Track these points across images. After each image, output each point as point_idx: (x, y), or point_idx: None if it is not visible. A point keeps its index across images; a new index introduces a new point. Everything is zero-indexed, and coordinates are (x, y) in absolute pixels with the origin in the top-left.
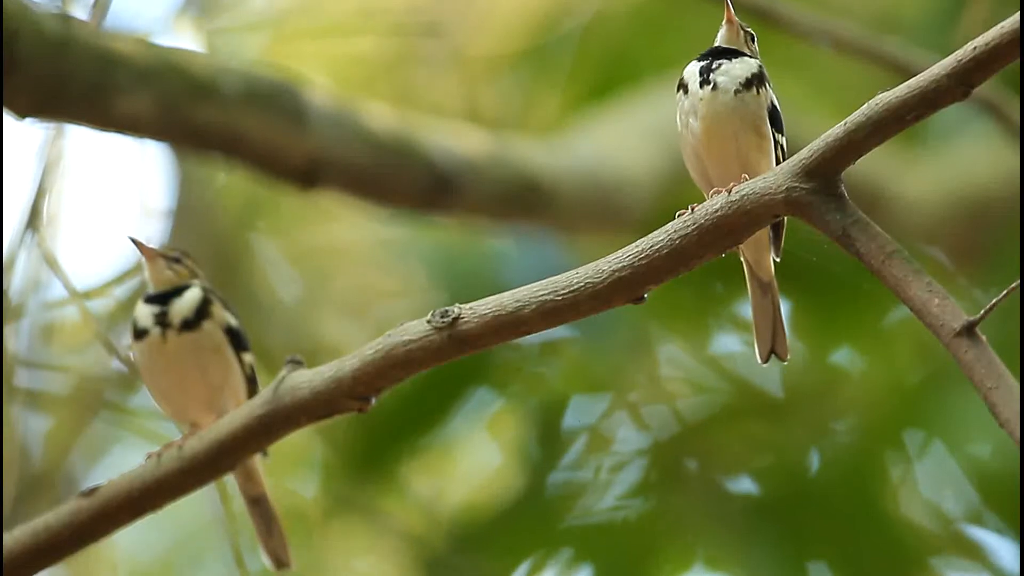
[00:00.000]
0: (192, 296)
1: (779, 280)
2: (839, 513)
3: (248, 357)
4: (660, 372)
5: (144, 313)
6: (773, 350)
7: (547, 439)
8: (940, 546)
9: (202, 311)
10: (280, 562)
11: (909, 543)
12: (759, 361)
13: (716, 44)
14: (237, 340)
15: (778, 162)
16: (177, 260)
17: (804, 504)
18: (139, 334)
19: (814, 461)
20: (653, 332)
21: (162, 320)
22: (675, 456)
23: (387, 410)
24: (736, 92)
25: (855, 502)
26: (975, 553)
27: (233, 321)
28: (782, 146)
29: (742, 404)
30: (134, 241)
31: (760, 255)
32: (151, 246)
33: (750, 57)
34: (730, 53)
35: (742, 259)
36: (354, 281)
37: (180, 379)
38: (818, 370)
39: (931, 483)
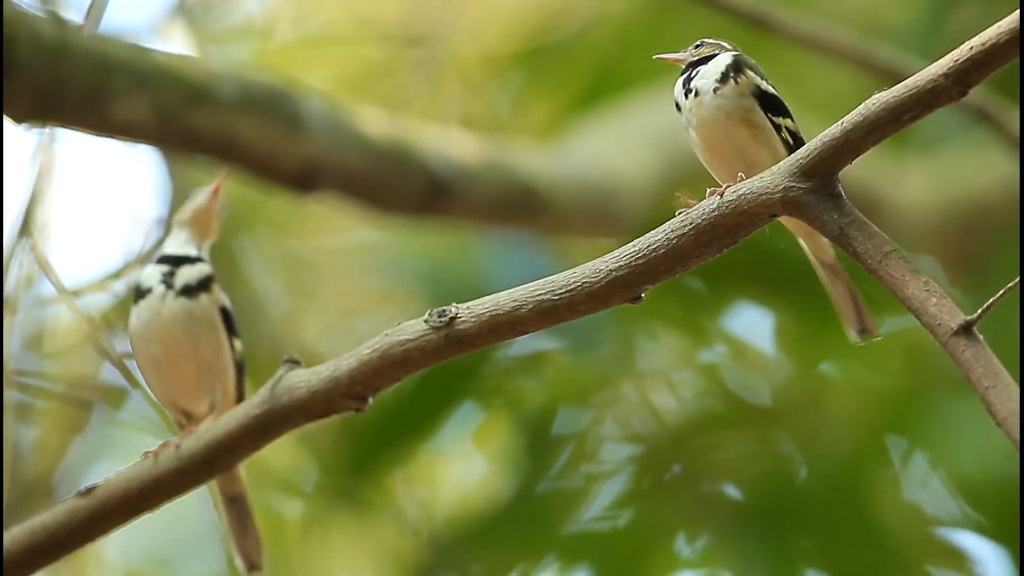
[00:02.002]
0: (201, 268)
1: (763, 288)
2: (829, 520)
3: (239, 344)
4: (649, 381)
5: (151, 272)
6: (863, 328)
7: (536, 448)
8: (929, 553)
9: (204, 284)
10: (252, 564)
11: (899, 550)
12: (853, 339)
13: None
14: (230, 324)
15: (787, 145)
16: (224, 210)
17: (794, 511)
18: (142, 293)
19: (803, 468)
20: (642, 341)
21: (168, 281)
22: (665, 464)
23: (375, 419)
24: (715, 90)
25: (845, 509)
26: (962, 560)
27: (228, 303)
28: (788, 129)
29: (731, 412)
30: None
31: (815, 239)
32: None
33: (725, 51)
34: (707, 58)
35: (803, 246)
36: (341, 287)
37: (172, 348)
38: (807, 377)
39: (920, 490)
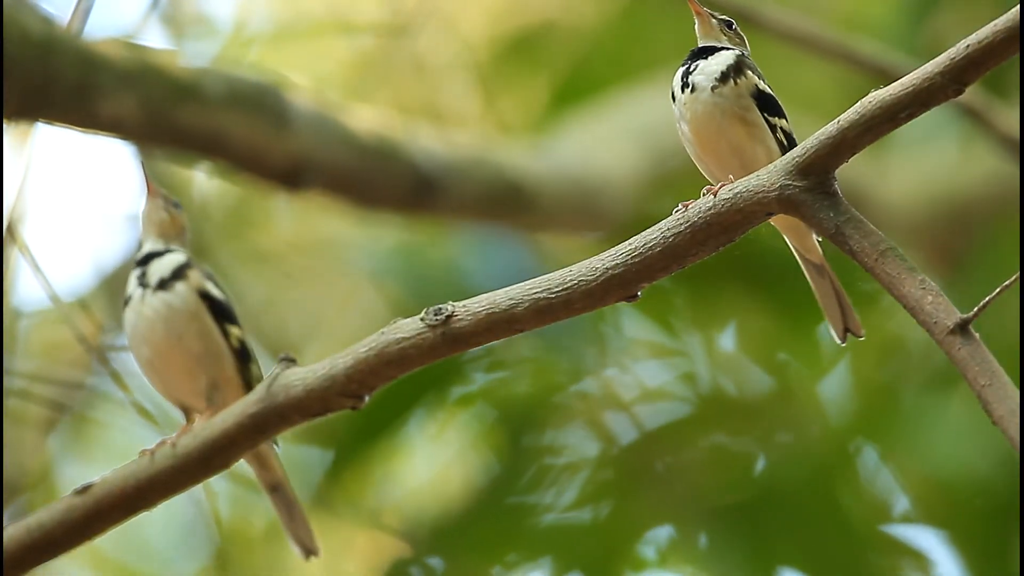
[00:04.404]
0: (172, 259)
1: (740, 285)
2: (803, 518)
3: (236, 330)
4: (624, 378)
5: (130, 279)
6: (847, 328)
7: (510, 445)
8: (901, 551)
9: (178, 273)
10: (307, 549)
11: (872, 548)
12: (837, 341)
13: (698, 39)
14: (220, 310)
15: (781, 145)
16: (176, 205)
17: (768, 509)
18: (126, 301)
19: (777, 466)
20: (618, 338)
21: (142, 280)
22: (639, 461)
23: (347, 418)
24: (713, 88)
25: (819, 507)
26: (927, 559)
27: (214, 290)
28: (783, 129)
29: (705, 409)
30: (142, 169)
31: (804, 239)
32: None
33: (728, 49)
34: (709, 51)
35: (790, 246)
36: (318, 285)
37: (159, 346)
38: (781, 375)
39: (893, 488)
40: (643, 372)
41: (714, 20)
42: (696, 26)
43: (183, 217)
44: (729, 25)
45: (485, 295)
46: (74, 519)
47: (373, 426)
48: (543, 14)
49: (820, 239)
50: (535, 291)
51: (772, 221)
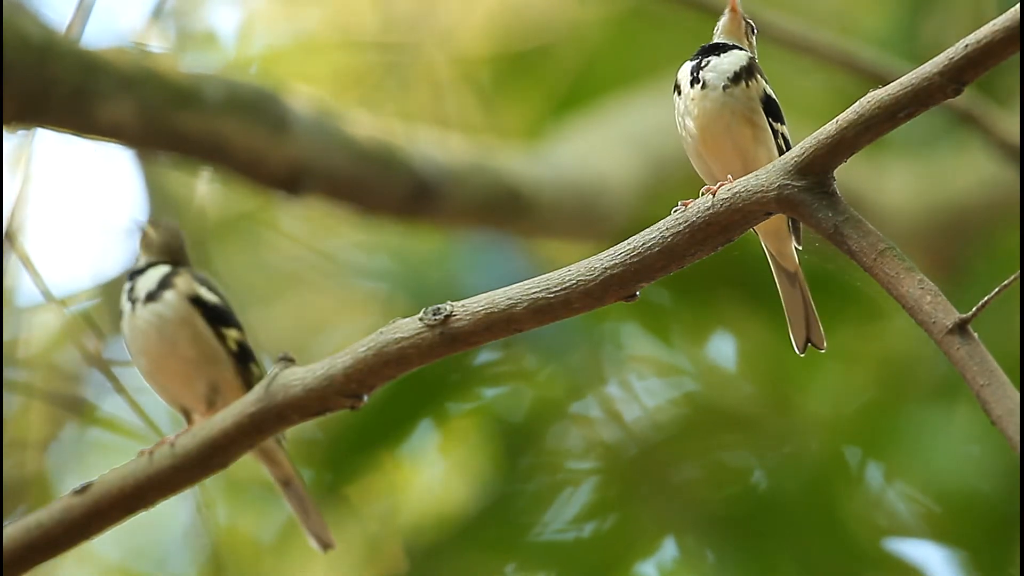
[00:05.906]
0: (155, 272)
1: (739, 297)
2: (802, 530)
3: (233, 333)
4: (620, 389)
5: (122, 293)
6: (809, 339)
7: (508, 457)
8: (900, 563)
9: (164, 283)
10: (324, 543)
11: (871, 560)
12: (797, 352)
13: (716, 34)
14: (214, 314)
15: (780, 151)
16: (139, 227)
17: (767, 521)
18: (119, 315)
19: (776, 478)
20: (614, 348)
21: (130, 296)
22: (638, 475)
23: (346, 425)
24: (725, 88)
25: (819, 519)
26: (927, 572)
27: (207, 294)
28: (783, 135)
29: (703, 421)
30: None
31: (782, 245)
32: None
33: (740, 49)
34: (720, 48)
35: (765, 251)
36: (312, 290)
37: (155, 356)
38: (780, 386)
39: (892, 500)
40: (642, 387)
41: (744, 23)
42: (722, 21)
43: (156, 233)
44: (753, 31)
45: (484, 295)
46: (73, 518)
47: (372, 440)
48: (542, 23)
49: (798, 247)
50: (534, 291)
51: (754, 228)
